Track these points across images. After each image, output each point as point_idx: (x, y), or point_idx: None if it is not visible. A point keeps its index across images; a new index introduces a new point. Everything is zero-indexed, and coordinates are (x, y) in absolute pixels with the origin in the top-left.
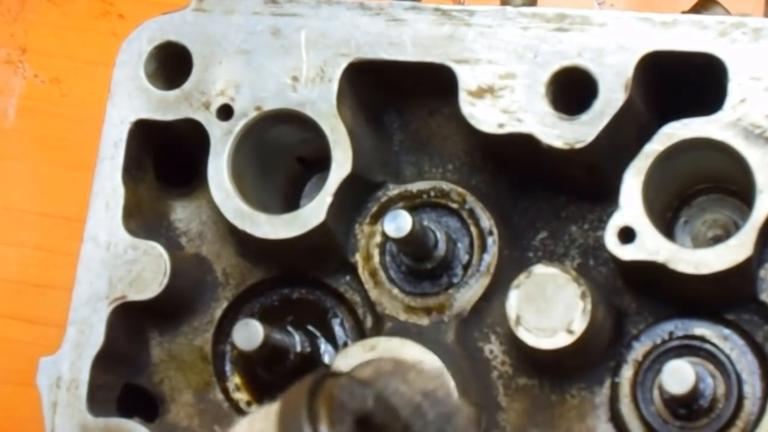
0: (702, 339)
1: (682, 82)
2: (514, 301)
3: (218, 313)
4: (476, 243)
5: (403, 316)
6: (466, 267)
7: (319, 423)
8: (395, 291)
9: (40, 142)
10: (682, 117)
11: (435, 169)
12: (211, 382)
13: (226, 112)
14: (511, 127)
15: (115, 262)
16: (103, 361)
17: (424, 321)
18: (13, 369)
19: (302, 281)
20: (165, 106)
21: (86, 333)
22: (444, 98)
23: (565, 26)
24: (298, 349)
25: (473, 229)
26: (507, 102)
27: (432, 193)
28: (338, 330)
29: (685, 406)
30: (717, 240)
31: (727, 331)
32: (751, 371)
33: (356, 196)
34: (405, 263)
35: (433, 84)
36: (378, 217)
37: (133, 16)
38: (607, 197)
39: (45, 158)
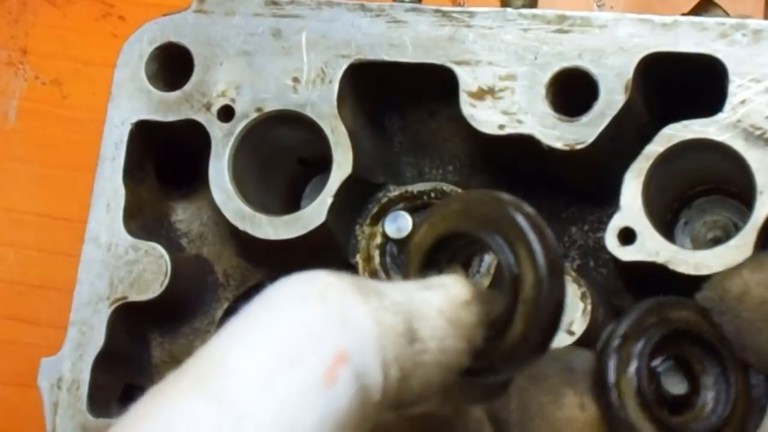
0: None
1: (682, 84)
2: None
3: (219, 313)
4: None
5: None
6: (466, 268)
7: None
8: None
9: (41, 144)
10: (682, 118)
11: (435, 171)
12: None
13: (227, 114)
14: (512, 129)
15: (116, 263)
16: (104, 362)
17: None
18: (14, 370)
19: None
20: (166, 108)
21: (87, 334)
22: (444, 99)
23: (565, 28)
24: None
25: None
26: (507, 103)
27: (432, 194)
28: None
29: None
30: (717, 241)
31: None
32: (750, 374)
33: (357, 197)
34: (405, 264)
35: (434, 85)
36: (378, 218)
37: (133, 17)
38: (608, 198)
39: (46, 159)
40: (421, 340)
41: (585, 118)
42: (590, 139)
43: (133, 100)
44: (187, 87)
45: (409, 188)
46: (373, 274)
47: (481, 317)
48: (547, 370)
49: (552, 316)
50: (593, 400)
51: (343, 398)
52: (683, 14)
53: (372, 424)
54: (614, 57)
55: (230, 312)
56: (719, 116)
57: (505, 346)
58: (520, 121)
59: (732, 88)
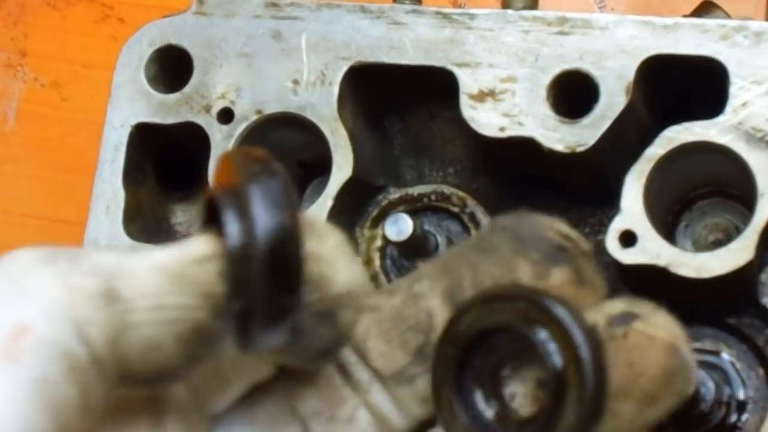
0: (703, 343)
1: (683, 86)
2: None
3: None
4: None
5: None
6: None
7: None
8: None
9: (40, 146)
10: (684, 120)
11: (436, 173)
12: None
13: (226, 116)
14: (512, 131)
15: None
16: None
17: None
18: None
19: None
20: (165, 110)
21: None
22: (445, 102)
23: (566, 30)
24: None
25: (474, 233)
26: (508, 105)
27: (433, 197)
28: None
29: (686, 411)
30: (718, 244)
31: (727, 335)
32: (751, 375)
33: (357, 200)
34: (406, 267)
35: (434, 87)
36: (378, 220)
37: (133, 19)
38: (608, 201)
39: (45, 162)
40: (125, 300)
41: (586, 120)
42: (591, 142)
43: (133, 103)
44: (187, 89)
45: (410, 191)
46: (374, 278)
47: (222, 273)
48: (495, 241)
49: None
50: (550, 266)
51: (34, 369)
52: (684, 16)
53: (110, 391)
54: (615, 59)
55: None
56: (720, 118)
57: None
58: (520, 124)
59: (733, 90)
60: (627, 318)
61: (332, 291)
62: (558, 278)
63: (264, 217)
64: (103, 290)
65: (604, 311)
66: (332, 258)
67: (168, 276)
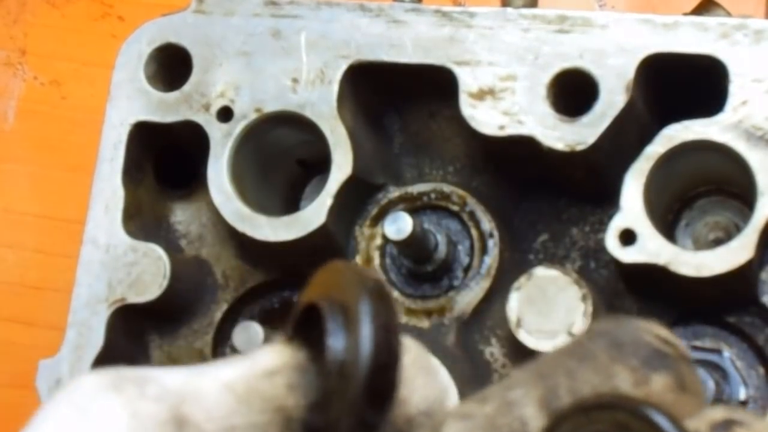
0: (703, 341)
1: (683, 84)
2: (514, 304)
3: (218, 315)
4: (477, 245)
5: (403, 319)
6: (466, 269)
7: None
8: (395, 293)
9: (40, 145)
10: (684, 119)
11: (435, 171)
12: None
13: (225, 114)
14: (512, 129)
15: (115, 265)
16: (103, 364)
17: (425, 323)
18: (12, 372)
19: (302, 284)
20: (165, 108)
21: (86, 335)
22: (444, 100)
23: (566, 28)
24: None
25: (474, 232)
26: (508, 104)
27: (432, 196)
28: None
29: None
30: (718, 242)
31: (728, 334)
32: (751, 374)
33: (356, 199)
34: (405, 266)
35: (434, 86)
36: (378, 219)
37: (132, 18)
38: (608, 199)
39: (45, 160)
40: (194, 424)
41: (585, 119)
42: (591, 140)
43: (132, 101)
44: (186, 87)
45: (409, 189)
46: None
47: (292, 385)
48: (592, 347)
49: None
50: (650, 373)
51: None
52: (684, 14)
53: None
54: (615, 57)
55: (229, 315)
56: (720, 117)
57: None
58: (520, 122)
59: (733, 88)
60: (729, 425)
61: (408, 411)
62: (659, 385)
63: (375, 339)
64: (171, 416)
65: (705, 418)
66: (408, 375)
67: (237, 394)
